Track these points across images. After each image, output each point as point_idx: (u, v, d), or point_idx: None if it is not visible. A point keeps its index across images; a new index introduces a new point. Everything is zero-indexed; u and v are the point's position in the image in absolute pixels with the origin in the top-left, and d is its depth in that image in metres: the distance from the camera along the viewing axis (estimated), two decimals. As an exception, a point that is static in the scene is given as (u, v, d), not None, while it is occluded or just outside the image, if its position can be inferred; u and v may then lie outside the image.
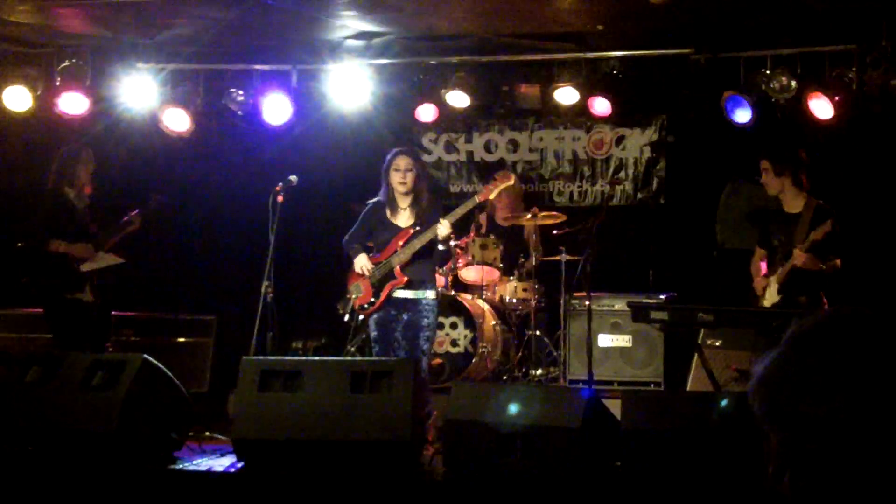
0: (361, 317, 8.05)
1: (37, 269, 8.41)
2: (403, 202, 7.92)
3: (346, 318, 8.21)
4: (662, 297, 9.36)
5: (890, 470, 1.70)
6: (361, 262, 7.98)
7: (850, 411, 1.70)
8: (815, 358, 1.73)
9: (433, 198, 8.00)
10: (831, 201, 7.71)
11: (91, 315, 8.58)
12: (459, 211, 7.77)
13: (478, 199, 7.83)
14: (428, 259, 7.83)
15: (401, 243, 7.83)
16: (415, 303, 7.77)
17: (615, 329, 9.54)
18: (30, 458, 6.94)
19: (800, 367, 1.74)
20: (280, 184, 8.63)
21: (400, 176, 7.86)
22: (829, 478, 1.73)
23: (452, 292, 9.49)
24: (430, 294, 7.79)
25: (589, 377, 8.41)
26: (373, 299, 7.88)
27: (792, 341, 1.77)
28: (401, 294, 7.81)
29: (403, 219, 7.91)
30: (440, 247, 7.76)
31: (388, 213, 7.97)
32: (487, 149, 11.22)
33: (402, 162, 7.90)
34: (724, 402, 6.18)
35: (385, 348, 7.85)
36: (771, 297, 7.63)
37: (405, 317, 7.75)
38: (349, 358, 9.27)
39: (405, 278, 7.78)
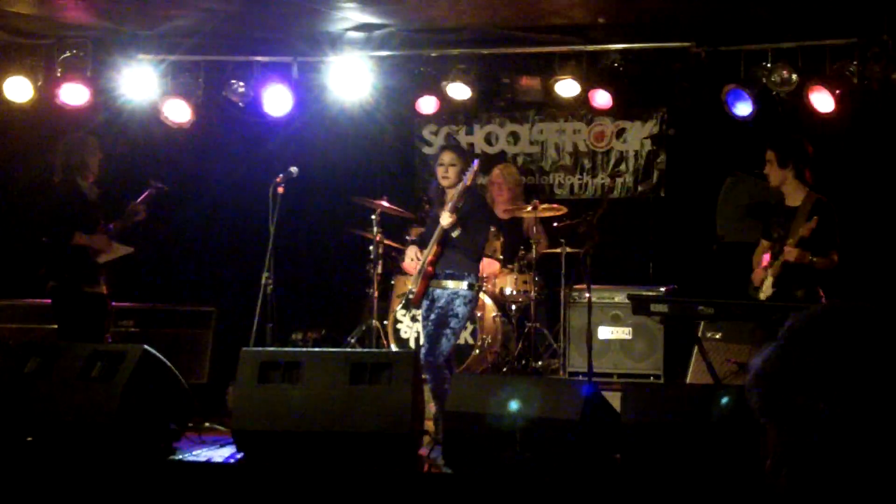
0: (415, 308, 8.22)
1: (57, 263, 8.36)
2: (450, 197, 7.89)
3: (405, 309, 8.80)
4: (662, 289, 9.36)
5: (887, 463, 1.70)
6: (409, 255, 8.09)
7: (848, 405, 1.70)
8: (812, 352, 1.73)
9: (472, 194, 7.90)
10: (832, 195, 7.71)
11: (105, 308, 8.59)
12: (455, 200, 7.73)
13: (460, 185, 7.76)
14: (462, 252, 7.80)
15: (435, 237, 7.84)
16: (448, 294, 7.75)
17: (615, 321, 9.54)
18: (29, 448, 6.95)
19: (797, 360, 1.74)
20: (280, 175, 8.64)
21: (443, 170, 7.89)
22: (827, 471, 1.73)
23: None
24: (465, 286, 7.77)
25: (588, 369, 8.41)
26: (414, 290, 7.91)
27: (789, 335, 1.77)
28: (437, 285, 7.81)
29: (447, 214, 7.87)
30: (454, 234, 7.70)
31: (437, 207, 7.99)
32: (488, 141, 11.21)
33: (446, 157, 7.93)
34: (724, 400, 6.18)
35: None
36: (766, 290, 7.64)
37: (438, 307, 7.75)
38: (349, 349, 9.29)
39: (431, 269, 7.78)
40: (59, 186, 8.48)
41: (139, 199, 8.81)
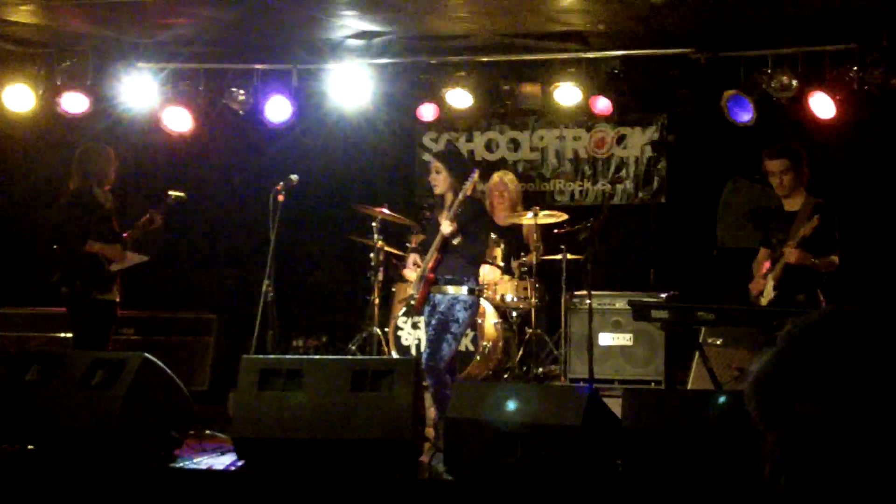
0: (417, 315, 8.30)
1: (70, 270, 8.37)
2: (449, 204, 7.92)
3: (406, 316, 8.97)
4: (663, 295, 9.35)
5: (886, 469, 1.69)
6: (410, 261, 8.19)
7: (846, 411, 1.70)
8: (810, 357, 1.73)
9: (473, 202, 7.93)
10: (833, 201, 7.71)
11: (116, 315, 8.60)
12: (455, 208, 7.74)
13: (460, 195, 7.77)
14: (462, 258, 7.81)
15: (435, 244, 7.86)
16: (448, 299, 7.76)
17: (616, 328, 9.54)
18: (30, 456, 6.94)
19: (795, 366, 1.73)
20: (281, 183, 8.64)
21: (432, 178, 7.98)
22: (826, 477, 1.72)
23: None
24: (464, 290, 7.79)
25: (590, 376, 8.41)
26: (415, 295, 7.93)
27: (787, 341, 1.77)
28: (438, 291, 7.83)
29: (447, 222, 7.87)
30: (454, 242, 7.72)
31: (437, 213, 8.02)
32: (488, 148, 11.21)
33: (433, 165, 8.04)
34: (721, 400, 6.19)
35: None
36: (767, 295, 7.64)
37: (439, 313, 7.76)
38: (350, 356, 9.28)
39: (432, 275, 7.81)
40: (75, 194, 8.49)
41: (157, 208, 8.81)
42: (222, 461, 6.93)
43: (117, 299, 8.54)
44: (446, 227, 7.66)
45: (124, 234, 8.62)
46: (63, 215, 8.47)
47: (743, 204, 9.87)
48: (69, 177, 8.59)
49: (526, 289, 9.54)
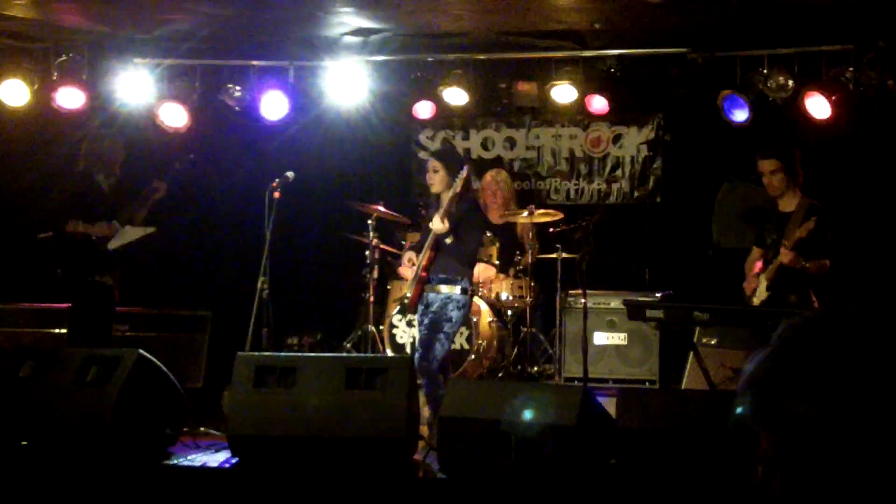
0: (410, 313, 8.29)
1: (61, 254, 8.39)
2: (443, 202, 7.92)
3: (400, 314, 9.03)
4: (658, 295, 9.35)
5: (883, 470, 1.69)
6: (406, 259, 8.20)
7: (841, 411, 1.69)
8: (805, 357, 1.73)
9: (465, 200, 7.92)
10: (828, 201, 7.72)
11: (113, 297, 8.60)
12: (447, 206, 7.75)
13: (451, 192, 7.78)
14: (455, 257, 7.82)
15: (429, 243, 7.87)
16: (441, 298, 7.77)
17: (611, 327, 9.54)
18: (23, 453, 6.94)
19: (790, 366, 1.73)
20: (277, 180, 8.63)
21: (428, 176, 7.99)
22: (820, 478, 1.72)
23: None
24: (458, 290, 7.79)
25: (584, 375, 8.40)
26: (408, 294, 7.93)
27: (781, 340, 1.76)
28: (431, 290, 7.83)
29: (439, 219, 7.88)
30: (447, 241, 7.73)
31: (433, 211, 8.02)
32: (484, 146, 11.21)
33: (430, 163, 8.06)
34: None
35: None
36: (760, 295, 7.65)
37: (432, 312, 7.76)
38: (344, 354, 9.28)
39: (425, 274, 7.81)
40: (75, 176, 8.58)
41: (162, 178, 8.87)
42: (217, 458, 6.92)
43: (111, 283, 8.53)
44: (437, 224, 7.67)
45: (123, 215, 8.66)
46: (56, 197, 8.54)
47: (738, 204, 9.87)
48: (76, 161, 8.66)
49: (521, 287, 9.54)
